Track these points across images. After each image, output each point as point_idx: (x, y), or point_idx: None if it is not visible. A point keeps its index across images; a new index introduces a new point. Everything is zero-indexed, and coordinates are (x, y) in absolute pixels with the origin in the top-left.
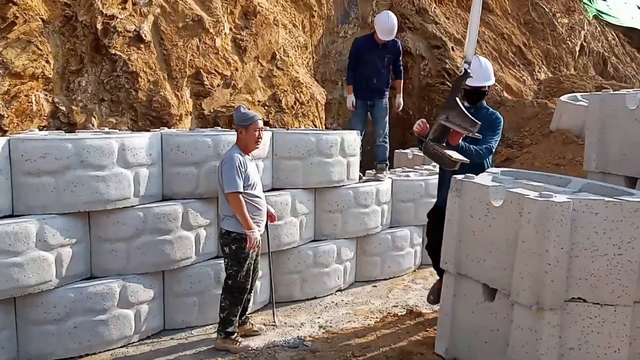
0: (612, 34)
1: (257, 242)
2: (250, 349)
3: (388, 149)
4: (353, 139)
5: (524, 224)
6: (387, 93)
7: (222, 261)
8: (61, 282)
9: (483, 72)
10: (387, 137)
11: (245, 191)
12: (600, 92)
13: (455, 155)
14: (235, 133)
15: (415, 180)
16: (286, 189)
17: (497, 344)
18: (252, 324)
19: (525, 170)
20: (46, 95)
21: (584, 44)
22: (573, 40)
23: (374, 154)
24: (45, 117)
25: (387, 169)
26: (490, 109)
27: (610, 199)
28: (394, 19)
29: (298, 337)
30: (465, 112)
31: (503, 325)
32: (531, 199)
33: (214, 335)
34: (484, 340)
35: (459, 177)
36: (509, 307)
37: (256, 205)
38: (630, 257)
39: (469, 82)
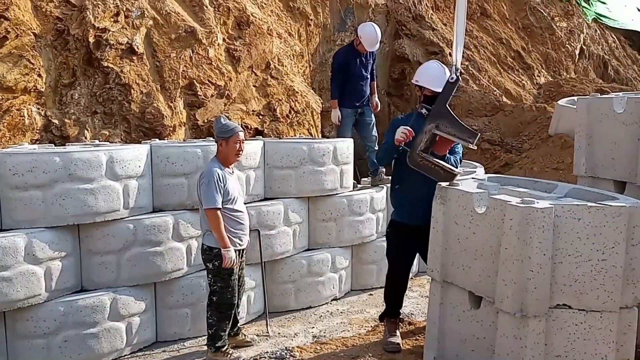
0: (613, 37)
1: (231, 262)
2: None
3: None
4: (346, 147)
5: (506, 231)
6: None
7: (206, 277)
8: (51, 295)
9: (446, 78)
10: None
11: (225, 206)
12: (588, 96)
13: (453, 167)
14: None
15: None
16: (279, 199)
17: (483, 352)
18: (244, 335)
19: (513, 176)
20: (38, 108)
21: (584, 47)
22: (572, 44)
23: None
24: (37, 131)
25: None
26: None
27: (593, 204)
28: (379, 30)
29: (285, 348)
30: (461, 121)
31: (489, 333)
32: (513, 205)
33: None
34: (471, 348)
35: (444, 184)
36: (495, 314)
37: (237, 219)
38: (615, 263)
39: (433, 88)
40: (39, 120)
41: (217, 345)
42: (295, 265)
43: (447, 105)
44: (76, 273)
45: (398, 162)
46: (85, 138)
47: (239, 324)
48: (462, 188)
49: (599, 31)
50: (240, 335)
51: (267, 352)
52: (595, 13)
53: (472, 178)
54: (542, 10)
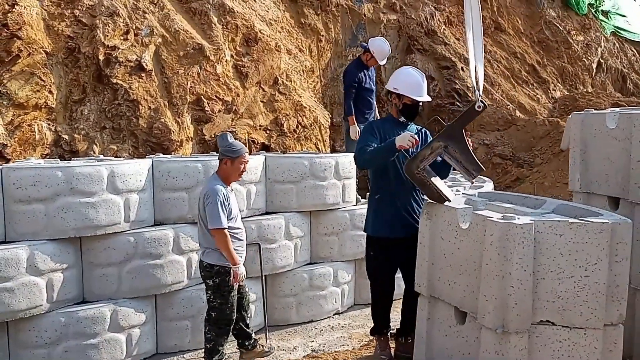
0: (633, 50)
1: (242, 278)
2: None
3: None
4: (348, 161)
5: (487, 246)
6: None
7: (205, 293)
8: (52, 306)
9: (424, 84)
10: None
11: (228, 225)
12: (582, 112)
13: (449, 194)
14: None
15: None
16: (280, 213)
17: None
18: (262, 346)
19: (504, 192)
20: (49, 124)
21: (602, 60)
22: (589, 58)
23: None
24: (47, 146)
25: None
26: (419, 125)
27: (575, 220)
28: (388, 43)
29: None
30: (471, 151)
31: (474, 349)
32: (493, 221)
33: None
34: None
35: (430, 200)
36: (478, 330)
37: (237, 236)
38: (598, 279)
39: (414, 96)
40: (49, 136)
41: (214, 359)
42: (296, 278)
43: (462, 131)
44: (78, 285)
45: (383, 170)
46: (94, 153)
47: (252, 336)
48: (448, 203)
49: (617, 44)
50: (257, 347)
51: None
52: (614, 26)
53: (462, 194)
54: (557, 25)
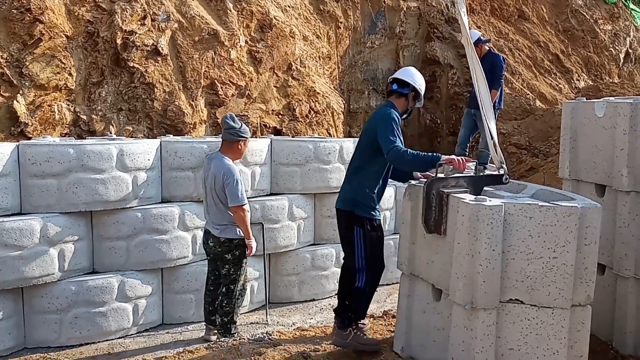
0: None
1: (254, 250)
2: None
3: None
4: (353, 146)
5: (459, 226)
6: None
7: (223, 269)
8: (63, 275)
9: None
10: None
11: None
12: (573, 100)
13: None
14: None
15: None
16: (284, 194)
17: (442, 342)
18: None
19: None
20: (68, 105)
21: (630, 50)
22: (617, 47)
23: None
24: (67, 125)
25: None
26: None
27: (544, 204)
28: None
29: (266, 332)
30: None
31: (447, 325)
32: (465, 203)
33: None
34: (433, 339)
35: (413, 182)
36: (451, 307)
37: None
38: (565, 261)
39: (418, 106)
40: (68, 116)
41: (232, 332)
42: (299, 258)
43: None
44: (88, 256)
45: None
46: (111, 133)
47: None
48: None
49: None
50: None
51: (247, 336)
52: None
53: None
54: (584, 13)
